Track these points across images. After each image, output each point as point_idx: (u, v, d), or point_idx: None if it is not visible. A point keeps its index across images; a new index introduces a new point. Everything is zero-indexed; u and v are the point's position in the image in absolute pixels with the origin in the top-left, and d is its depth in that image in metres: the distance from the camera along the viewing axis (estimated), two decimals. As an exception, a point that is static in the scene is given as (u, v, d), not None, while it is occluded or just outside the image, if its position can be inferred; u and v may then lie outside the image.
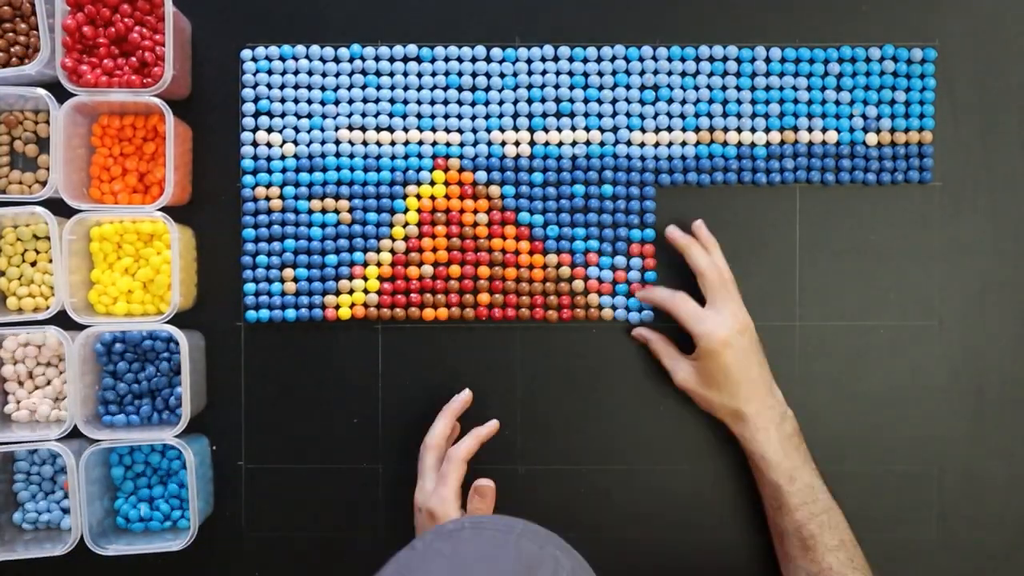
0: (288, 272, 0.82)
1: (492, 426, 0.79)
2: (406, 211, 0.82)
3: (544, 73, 0.82)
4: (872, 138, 0.82)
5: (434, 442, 0.77)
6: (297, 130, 0.82)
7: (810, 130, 0.82)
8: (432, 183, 0.82)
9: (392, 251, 0.82)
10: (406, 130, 0.82)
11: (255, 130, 0.82)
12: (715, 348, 0.76)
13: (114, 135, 0.81)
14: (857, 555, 0.74)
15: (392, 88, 0.82)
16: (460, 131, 0.82)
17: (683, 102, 0.82)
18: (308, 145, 0.82)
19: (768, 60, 0.82)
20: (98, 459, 0.79)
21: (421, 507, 0.75)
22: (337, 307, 0.82)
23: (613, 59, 0.82)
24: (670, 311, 0.79)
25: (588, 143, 0.82)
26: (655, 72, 0.82)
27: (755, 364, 0.77)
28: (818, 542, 0.73)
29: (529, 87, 0.82)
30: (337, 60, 0.82)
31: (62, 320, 0.77)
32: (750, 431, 0.76)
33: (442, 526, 0.56)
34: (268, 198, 0.82)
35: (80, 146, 0.80)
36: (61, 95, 0.77)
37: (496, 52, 0.82)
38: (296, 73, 0.82)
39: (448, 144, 0.82)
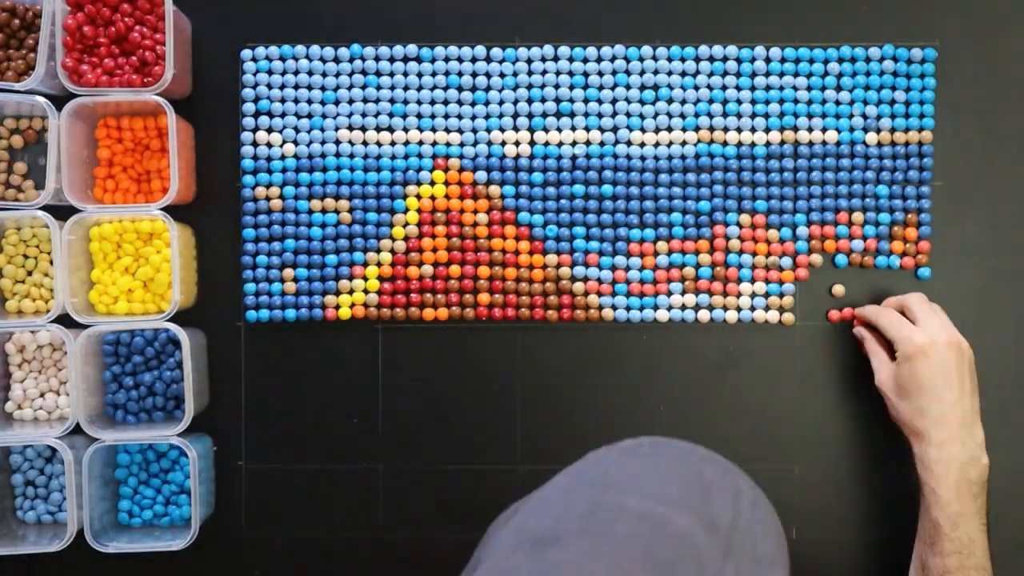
0: (288, 272, 0.82)
1: None
2: (406, 211, 0.82)
3: (544, 73, 0.82)
4: (872, 138, 0.82)
5: None
6: (297, 130, 0.82)
7: (810, 130, 0.82)
8: (432, 183, 0.82)
9: (392, 251, 0.82)
10: (406, 130, 0.82)
11: (255, 130, 0.82)
12: (911, 352, 0.73)
13: (117, 136, 0.81)
14: None
15: (392, 88, 0.82)
16: (460, 131, 0.82)
17: (683, 102, 0.82)
18: (308, 145, 0.82)
19: (768, 60, 0.82)
20: (101, 456, 0.79)
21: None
22: (337, 307, 0.82)
23: (613, 59, 0.82)
24: (875, 322, 0.78)
25: (588, 143, 0.82)
26: (655, 72, 0.82)
27: (954, 387, 0.73)
28: None
29: (529, 87, 0.82)
30: (337, 60, 0.82)
31: (63, 319, 0.77)
32: (930, 459, 0.72)
33: (621, 443, 0.53)
34: (268, 198, 0.82)
35: (84, 148, 0.80)
36: (63, 96, 0.77)
37: (496, 52, 0.82)
38: (296, 73, 0.82)
39: (448, 144, 0.82)
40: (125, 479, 0.82)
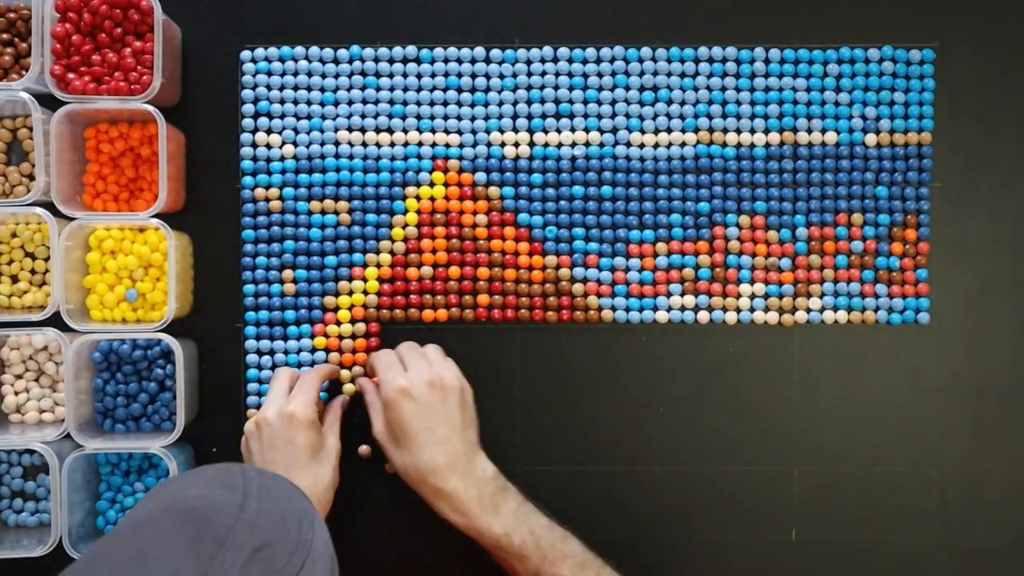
0: (288, 273, 0.82)
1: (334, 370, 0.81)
2: (405, 212, 0.82)
3: (544, 74, 0.82)
4: (871, 139, 0.82)
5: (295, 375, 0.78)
6: (297, 131, 0.82)
7: (809, 131, 0.82)
8: (432, 184, 0.82)
9: (392, 252, 0.82)
10: (406, 131, 0.82)
11: (255, 131, 0.82)
12: (391, 396, 0.72)
13: (107, 142, 0.81)
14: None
15: (392, 89, 0.82)
16: (460, 132, 0.82)
17: (683, 103, 0.82)
18: (308, 146, 0.82)
19: (767, 61, 0.82)
20: (81, 464, 0.79)
21: (277, 415, 0.73)
22: (336, 308, 0.82)
23: (613, 60, 0.82)
24: (372, 369, 0.77)
25: (588, 144, 0.82)
26: (655, 73, 0.82)
27: (442, 426, 0.72)
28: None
29: (529, 88, 0.82)
30: (337, 61, 0.82)
31: (58, 326, 0.77)
32: (450, 503, 0.71)
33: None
34: (268, 199, 0.82)
35: (72, 153, 0.79)
36: (52, 103, 0.77)
37: (496, 53, 0.82)
38: (296, 74, 0.82)
39: (448, 145, 0.82)
40: (105, 487, 0.82)
